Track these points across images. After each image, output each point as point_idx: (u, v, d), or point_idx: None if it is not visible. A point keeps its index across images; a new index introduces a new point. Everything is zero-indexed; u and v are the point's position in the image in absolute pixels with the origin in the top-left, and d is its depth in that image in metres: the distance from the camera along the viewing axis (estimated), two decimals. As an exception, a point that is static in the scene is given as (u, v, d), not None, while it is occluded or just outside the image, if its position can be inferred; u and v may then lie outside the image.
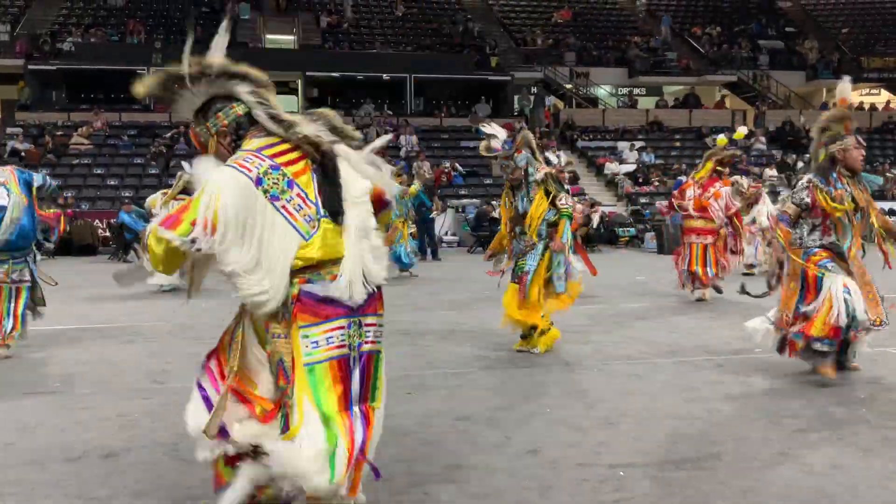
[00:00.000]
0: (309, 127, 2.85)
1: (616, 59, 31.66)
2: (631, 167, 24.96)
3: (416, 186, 13.07)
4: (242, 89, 2.89)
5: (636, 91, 33.48)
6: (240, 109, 2.89)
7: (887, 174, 25.22)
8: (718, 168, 9.84)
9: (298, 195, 2.75)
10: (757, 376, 5.29)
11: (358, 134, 3.05)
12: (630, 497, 3.19)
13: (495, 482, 3.36)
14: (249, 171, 2.70)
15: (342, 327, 2.76)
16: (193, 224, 2.61)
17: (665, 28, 33.23)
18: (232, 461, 2.89)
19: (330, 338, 2.74)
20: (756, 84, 32.25)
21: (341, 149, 2.91)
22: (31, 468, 3.58)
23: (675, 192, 10.41)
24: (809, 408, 4.52)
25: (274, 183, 2.72)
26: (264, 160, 2.74)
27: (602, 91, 32.16)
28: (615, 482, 3.34)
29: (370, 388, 2.85)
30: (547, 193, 6.12)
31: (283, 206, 2.71)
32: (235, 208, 2.64)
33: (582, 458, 3.66)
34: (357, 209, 2.84)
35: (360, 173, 2.90)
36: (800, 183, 5.42)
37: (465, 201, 21.56)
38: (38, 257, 6.63)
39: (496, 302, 6.46)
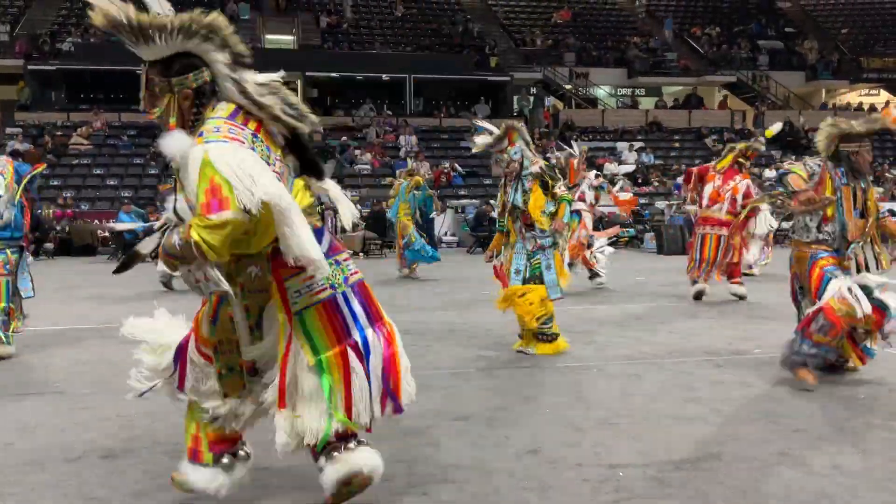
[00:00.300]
0: (277, 106, 2.84)
1: (615, 60, 31.68)
2: (630, 168, 24.97)
3: (418, 178, 13.03)
4: (217, 58, 2.82)
5: (637, 92, 33.52)
6: (207, 76, 2.83)
7: (887, 174, 25.24)
8: (740, 160, 9.58)
9: (275, 158, 2.83)
10: (756, 377, 5.29)
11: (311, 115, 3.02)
12: (629, 497, 3.19)
13: (495, 482, 3.36)
14: (242, 143, 2.70)
15: None
16: (235, 192, 2.56)
17: (668, 32, 33.18)
18: (217, 446, 3.05)
19: (310, 285, 2.88)
20: (755, 84, 32.27)
21: None
22: (31, 468, 3.58)
23: (694, 173, 9.92)
24: (809, 408, 4.52)
25: (261, 150, 2.76)
26: (244, 129, 2.76)
27: (601, 91, 32.18)
28: (614, 482, 3.34)
29: (378, 309, 3.04)
30: (544, 185, 6.11)
31: (273, 170, 2.75)
32: (261, 168, 2.66)
33: (581, 458, 3.66)
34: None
35: None
36: (813, 158, 5.34)
37: (464, 202, 21.57)
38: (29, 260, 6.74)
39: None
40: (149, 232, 3.58)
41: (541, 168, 6.13)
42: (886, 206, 23.38)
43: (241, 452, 3.13)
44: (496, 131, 6.24)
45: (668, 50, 32.58)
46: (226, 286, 2.75)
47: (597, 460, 3.62)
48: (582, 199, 10.65)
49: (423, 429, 4.11)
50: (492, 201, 19.52)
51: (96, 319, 8.27)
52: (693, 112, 29.90)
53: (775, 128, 10.67)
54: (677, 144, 28.39)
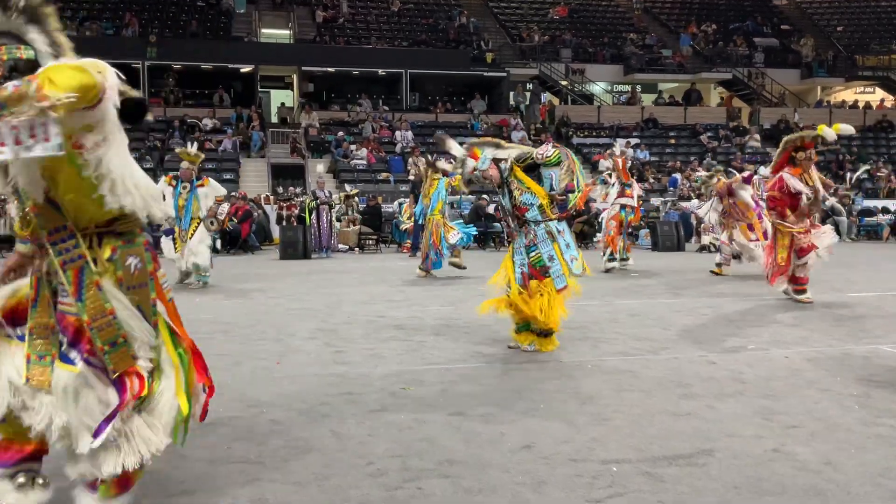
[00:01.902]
0: None
1: (612, 56, 31.70)
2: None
3: (458, 176, 12.94)
4: (38, 39, 2.78)
5: (637, 88, 33.56)
6: (24, 53, 2.73)
7: (879, 172, 25.30)
8: (793, 154, 8.57)
9: None
10: (750, 373, 5.31)
11: None
12: (623, 492, 3.20)
13: (489, 477, 3.37)
14: None
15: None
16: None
17: (686, 47, 32.99)
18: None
19: (165, 280, 2.98)
20: (751, 82, 32.33)
21: None
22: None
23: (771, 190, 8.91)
24: (802, 404, 4.54)
25: None
26: None
27: (597, 88, 32.19)
28: (608, 477, 3.35)
29: None
30: (529, 169, 5.94)
31: None
32: None
33: (575, 453, 3.67)
34: None
35: None
36: None
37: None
38: None
39: (491, 298, 6.42)
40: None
41: (511, 160, 5.98)
42: (881, 203, 23.46)
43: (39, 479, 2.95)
44: (458, 155, 6.19)
45: (663, 47, 32.60)
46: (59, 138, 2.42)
47: (591, 455, 3.63)
48: (629, 195, 12.51)
49: (417, 424, 4.12)
50: (486, 196, 19.51)
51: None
52: (688, 109, 29.97)
53: (844, 128, 9.10)
54: (673, 141, 28.43)
